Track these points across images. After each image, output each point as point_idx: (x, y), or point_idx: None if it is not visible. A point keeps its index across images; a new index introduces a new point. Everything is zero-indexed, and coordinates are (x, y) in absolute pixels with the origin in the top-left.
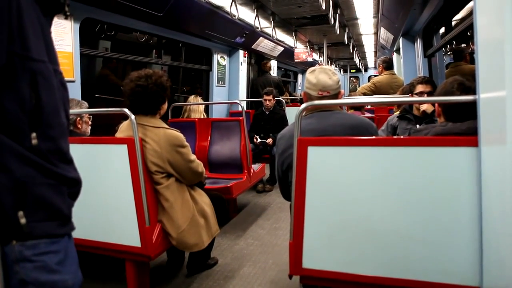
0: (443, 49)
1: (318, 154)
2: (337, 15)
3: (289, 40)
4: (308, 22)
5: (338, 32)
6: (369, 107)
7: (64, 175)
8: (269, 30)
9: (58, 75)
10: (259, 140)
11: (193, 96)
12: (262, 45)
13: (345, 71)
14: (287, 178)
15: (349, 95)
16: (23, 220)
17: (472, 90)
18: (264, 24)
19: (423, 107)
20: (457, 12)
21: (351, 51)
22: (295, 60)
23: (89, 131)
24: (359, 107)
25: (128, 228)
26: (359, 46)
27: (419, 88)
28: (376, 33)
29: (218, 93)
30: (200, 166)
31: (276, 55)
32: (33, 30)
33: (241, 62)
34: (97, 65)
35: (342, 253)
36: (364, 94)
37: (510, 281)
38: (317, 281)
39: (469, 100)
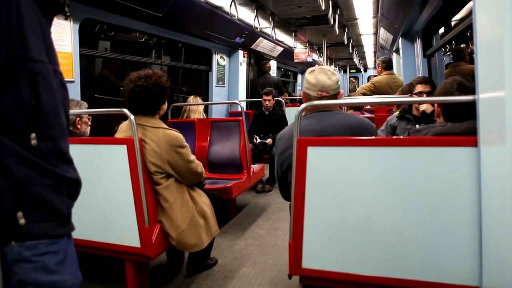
0: (443, 49)
1: (317, 154)
2: (337, 15)
3: (288, 40)
4: (308, 22)
5: (337, 32)
6: (368, 107)
7: (64, 176)
8: (268, 31)
9: (58, 75)
10: (258, 140)
11: (192, 96)
12: (262, 45)
13: (345, 71)
14: (287, 179)
15: (348, 95)
16: (22, 221)
17: (472, 90)
18: (263, 24)
19: (423, 107)
20: (457, 12)
21: (351, 51)
22: (295, 60)
23: (89, 132)
24: (358, 107)
25: (128, 229)
26: (358, 46)
27: (419, 88)
28: (376, 33)
29: (218, 93)
30: (199, 166)
31: (275, 55)
32: (33, 30)
33: (241, 62)
34: (96, 65)
35: (342, 253)
36: (364, 94)
37: (510, 281)
38: (317, 281)
39: (468, 100)
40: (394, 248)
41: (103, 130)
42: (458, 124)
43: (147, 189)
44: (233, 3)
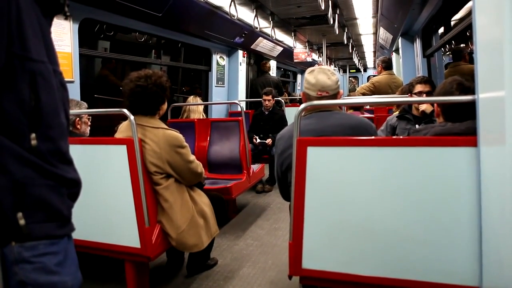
0: (442, 49)
1: (317, 155)
2: (336, 15)
3: (288, 40)
4: (307, 22)
5: (337, 32)
6: (368, 107)
7: (64, 176)
8: (268, 30)
9: (58, 75)
10: (258, 140)
11: (192, 96)
12: (261, 45)
13: (344, 71)
14: (287, 179)
15: (348, 95)
16: (22, 221)
17: (471, 90)
18: (263, 24)
19: (422, 107)
20: (456, 12)
21: (350, 51)
22: (294, 60)
23: (89, 132)
24: (358, 107)
25: (128, 229)
26: (358, 46)
27: (418, 88)
28: (375, 33)
29: (217, 93)
30: (199, 166)
31: (275, 55)
32: (33, 30)
33: (240, 62)
34: (96, 65)
35: (342, 254)
36: (363, 94)
37: (510, 281)
38: (317, 282)
39: (468, 100)
40: (394, 248)
41: (102, 130)
42: (458, 124)
43: (147, 190)
44: (232, 3)
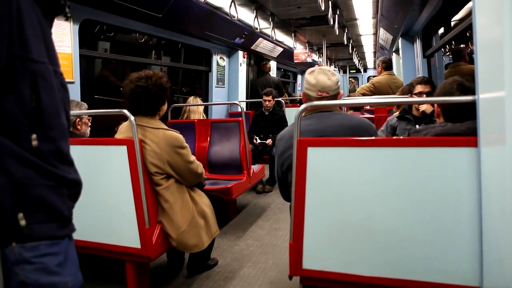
0: (442, 49)
1: (317, 155)
2: (336, 15)
3: (288, 40)
4: (307, 23)
5: (337, 33)
6: (368, 107)
7: (64, 177)
8: (268, 31)
9: (58, 76)
10: (258, 141)
11: (192, 97)
12: (262, 46)
13: (345, 72)
14: (287, 179)
15: (348, 96)
16: (23, 222)
17: (472, 91)
18: (263, 25)
19: (423, 107)
20: (456, 13)
21: (350, 51)
22: (295, 61)
23: (89, 132)
24: (358, 108)
25: (128, 229)
26: (358, 46)
27: (419, 88)
28: (375, 34)
29: (218, 94)
30: (199, 167)
31: (275, 56)
32: (33, 31)
33: (241, 63)
34: (96, 66)
35: (342, 254)
36: (364, 94)
37: (510, 281)
38: (317, 282)
39: (468, 101)
40: (394, 249)
41: (103, 131)
42: (458, 125)
43: (147, 190)
44: (232, 3)
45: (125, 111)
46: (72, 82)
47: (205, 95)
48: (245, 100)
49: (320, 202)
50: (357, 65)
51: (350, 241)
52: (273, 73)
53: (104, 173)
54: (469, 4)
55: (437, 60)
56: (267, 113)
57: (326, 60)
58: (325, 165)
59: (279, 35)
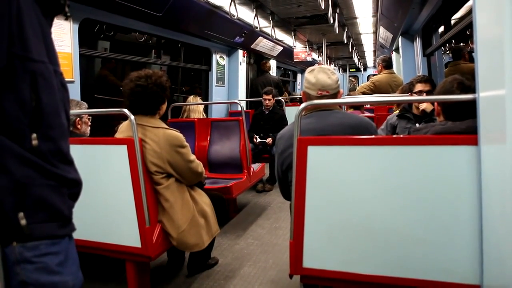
0: (442, 48)
1: (318, 154)
2: (336, 14)
3: (288, 39)
4: (307, 22)
5: (337, 32)
6: (368, 106)
7: (65, 176)
8: (268, 30)
9: (58, 75)
10: (258, 139)
11: (192, 96)
12: (261, 44)
13: (344, 71)
14: (287, 178)
15: (348, 95)
16: (23, 222)
17: (472, 89)
18: (263, 24)
19: (423, 106)
20: (456, 11)
21: (350, 50)
22: (295, 60)
23: (89, 132)
24: (358, 106)
25: (128, 229)
26: (358, 45)
27: (419, 87)
28: (375, 32)
29: (218, 93)
30: (199, 166)
31: (275, 55)
32: (33, 31)
33: (240, 62)
34: (96, 65)
35: (343, 252)
36: (364, 93)
37: (511, 279)
38: (318, 281)
39: (468, 99)
40: (395, 247)
41: (103, 130)
42: (459, 123)
43: (147, 189)
44: (232, 2)
45: (125, 110)
46: (72, 82)
47: (205, 94)
48: (245, 99)
49: (321, 200)
50: (357, 63)
51: (350, 240)
52: (273, 72)
53: (104, 173)
54: (469, 3)
55: (437, 58)
56: (267, 112)
57: (326, 59)
58: (325, 164)
59: (279, 34)
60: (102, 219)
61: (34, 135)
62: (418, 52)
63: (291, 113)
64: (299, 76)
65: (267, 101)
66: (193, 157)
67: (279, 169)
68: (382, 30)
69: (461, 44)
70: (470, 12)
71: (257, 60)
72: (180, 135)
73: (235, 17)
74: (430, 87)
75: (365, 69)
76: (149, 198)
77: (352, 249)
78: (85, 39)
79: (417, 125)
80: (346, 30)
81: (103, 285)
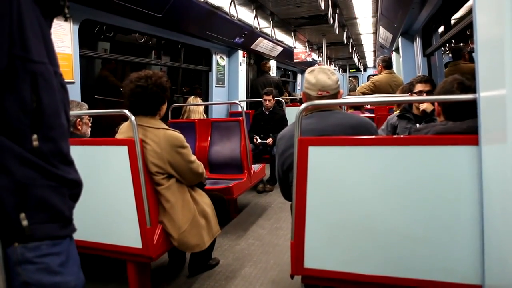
0: (442, 48)
1: (318, 154)
2: (336, 14)
3: (288, 40)
4: (307, 22)
5: (337, 32)
6: (368, 106)
7: (65, 177)
8: (268, 30)
9: (58, 76)
10: (259, 140)
11: (192, 96)
12: (261, 45)
13: (344, 71)
14: (288, 178)
15: (348, 95)
16: (25, 222)
17: (472, 89)
18: (263, 24)
19: (423, 106)
20: (456, 11)
21: (350, 50)
22: (295, 60)
23: (89, 133)
24: (358, 107)
25: (129, 229)
26: (358, 45)
27: (419, 87)
28: (375, 33)
29: (218, 93)
30: (200, 166)
31: (275, 55)
32: (33, 31)
33: (240, 63)
34: (96, 66)
35: (344, 253)
36: (364, 93)
37: None
38: (319, 281)
39: (469, 99)
40: (396, 247)
41: (103, 131)
42: (459, 123)
43: (148, 190)
44: (232, 3)
45: (126, 111)
46: (72, 83)
47: (205, 95)
48: (245, 99)
49: (321, 201)
50: (357, 64)
51: (351, 240)
52: (273, 72)
53: (105, 173)
54: (469, 3)
55: (437, 58)
56: (267, 113)
57: (326, 59)
58: (326, 164)
59: (279, 35)
60: (103, 219)
61: (35, 136)
62: (418, 52)
63: (291, 113)
64: (299, 76)
65: (267, 102)
66: (193, 157)
67: (279, 170)
68: (382, 30)
69: (461, 44)
70: (470, 12)
71: (257, 61)
72: (181, 135)
73: (235, 18)
74: (430, 87)
75: (365, 70)
76: (150, 198)
77: (353, 249)
78: (85, 40)
79: (418, 125)
80: (346, 30)
81: (104, 286)
